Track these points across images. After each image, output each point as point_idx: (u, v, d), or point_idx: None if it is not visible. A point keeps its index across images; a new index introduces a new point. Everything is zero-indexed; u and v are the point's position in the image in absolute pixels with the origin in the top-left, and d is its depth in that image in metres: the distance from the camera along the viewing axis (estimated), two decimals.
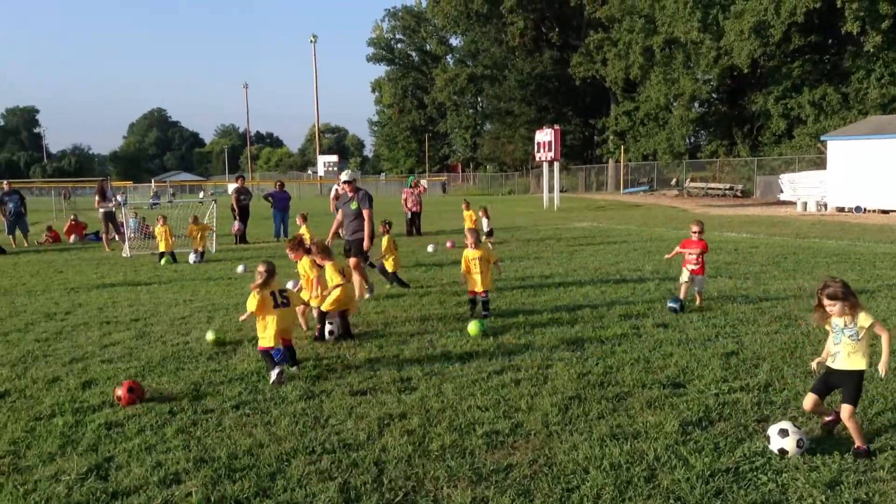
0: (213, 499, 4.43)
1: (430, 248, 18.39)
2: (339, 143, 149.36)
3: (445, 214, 34.82)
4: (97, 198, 21.32)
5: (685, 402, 6.00)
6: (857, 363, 4.94)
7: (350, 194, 11.14)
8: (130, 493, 4.57)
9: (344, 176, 11.27)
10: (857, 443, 4.92)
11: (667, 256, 11.39)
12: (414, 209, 23.75)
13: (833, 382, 5.10)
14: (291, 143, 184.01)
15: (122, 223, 20.74)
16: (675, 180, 53.94)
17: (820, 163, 37.85)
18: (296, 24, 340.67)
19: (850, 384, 4.95)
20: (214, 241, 19.64)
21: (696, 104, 57.67)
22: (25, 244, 22.38)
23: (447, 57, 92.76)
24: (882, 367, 4.94)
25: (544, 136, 38.71)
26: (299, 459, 5.01)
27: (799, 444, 4.84)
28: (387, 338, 8.58)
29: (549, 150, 37.96)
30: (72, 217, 26.55)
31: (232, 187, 26.45)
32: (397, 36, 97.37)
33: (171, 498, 4.48)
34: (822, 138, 35.89)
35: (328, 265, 8.75)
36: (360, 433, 5.50)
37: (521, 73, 71.17)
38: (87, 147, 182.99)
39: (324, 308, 8.52)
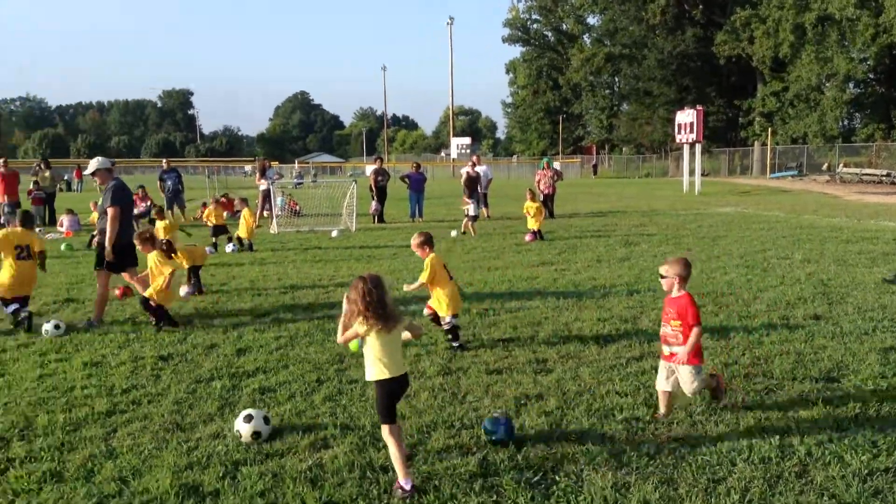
0: (359, 464, 4.63)
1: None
2: (472, 125, 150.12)
3: (585, 197, 34.35)
4: (257, 175, 22.62)
5: (839, 398, 5.69)
6: None
7: None
8: (283, 454, 4.85)
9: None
10: None
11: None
12: (546, 192, 23.56)
13: None
14: (426, 125, 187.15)
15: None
16: (826, 165, 50.64)
17: None
18: (433, 6, 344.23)
19: None
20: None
21: (851, 85, 53.82)
22: (182, 219, 23.92)
23: (584, 36, 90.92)
24: None
25: (686, 117, 37.31)
26: (439, 433, 5.15)
27: None
28: (521, 319, 8.61)
29: (691, 131, 36.56)
30: (222, 195, 28.12)
31: (370, 169, 27.17)
32: (533, 16, 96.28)
33: (320, 461, 4.72)
34: None
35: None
36: (498, 411, 5.57)
37: (661, 51, 68.79)
38: (237, 129, 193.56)
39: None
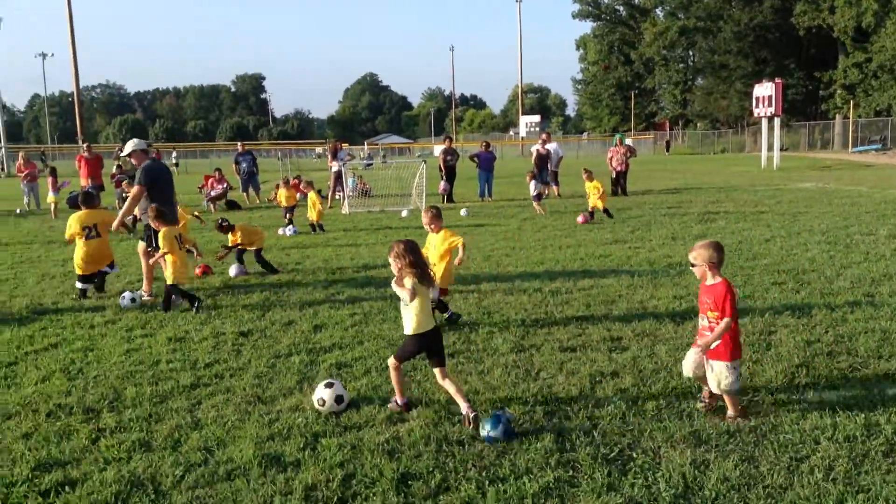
0: (435, 437, 4.68)
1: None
2: (542, 102, 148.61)
3: (659, 174, 33.67)
4: (329, 157, 22.97)
5: None
6: None
7: None
8: (361, 427, 4.94)
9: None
10: None
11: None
12: (619, 168, 23.18)
13: None
14: (494, 104, 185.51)
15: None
16: None
17: None
18: None
19: None
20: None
21: None
22: (257, 201, 24.47)
23: (657, 10, 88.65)
24: None
25: (764, 90, 36.13)
26: (513, 408, 5.15)
27: None
28: (594, 297, 8.52)
29: (769, 105, 35.40)
30: (295, 176, 28.62)
31: (439, 149, 27.24)
32: None
33: (397, 434, 4.79)
34: None
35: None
36: (572, 388, 5.55)
37: (737, 23, 66.71)
38: (308, 111, 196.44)
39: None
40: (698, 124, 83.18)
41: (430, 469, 4.28)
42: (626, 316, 7.58)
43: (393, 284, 5.10)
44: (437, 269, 7.36)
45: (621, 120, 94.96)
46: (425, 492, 4.04)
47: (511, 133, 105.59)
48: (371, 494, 4.03)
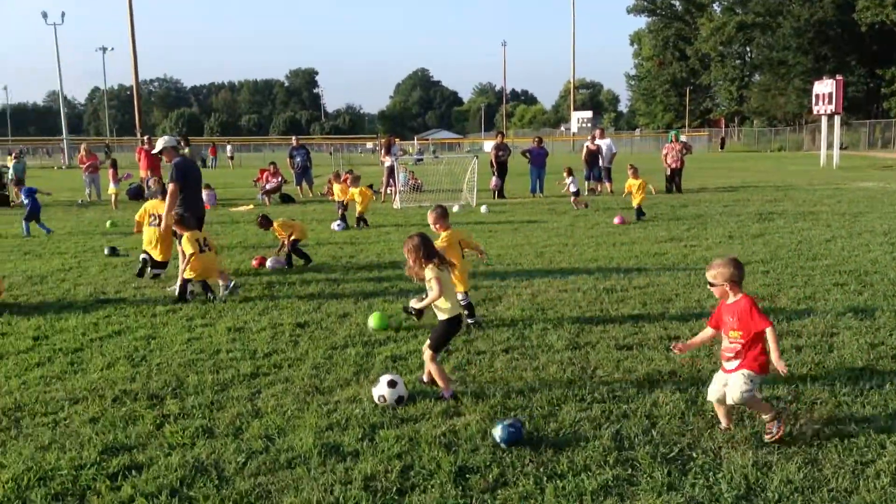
0: (491, 432, 4.69)
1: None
2: (594, 98, 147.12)
3: (714, 171, 33.09)
4: (383, 152, 23.11)
5: None
6: None
7: None
8: (417, 420, 4.98)
9: None
10: None
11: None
12: (673, 166, 22.85)
13: None
14: (545, 99, 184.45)
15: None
16: None
17: None
18: None
19: None
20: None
21: None
22: (311, 195, 24.77)
23: (714, 5, 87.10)
24: None
25: (824, 87, 35.28)
26: (570, 405, 5.13)
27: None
28: (650, 295, 8.43)
29: (829, 102, 34.56)
30: (347, 171, 28.88)
31: (489, 144, 27.18)
32: None
33: (453, 427, 4.81)
34: None
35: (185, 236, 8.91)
36: (629, 386, 5.50)
37: (797, 19, 65.14)
38: (359, 106, 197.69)
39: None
40: (755, 122, 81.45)
41: (488, 463, 4.29)
42: (683, 315, 7.49)
43: (415, 303, 5.58)
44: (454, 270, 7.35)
45: (675, 116, 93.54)
46: (483, 485, 4.05)
47: (562, 129, 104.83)
48: (429, 486, 4.06)
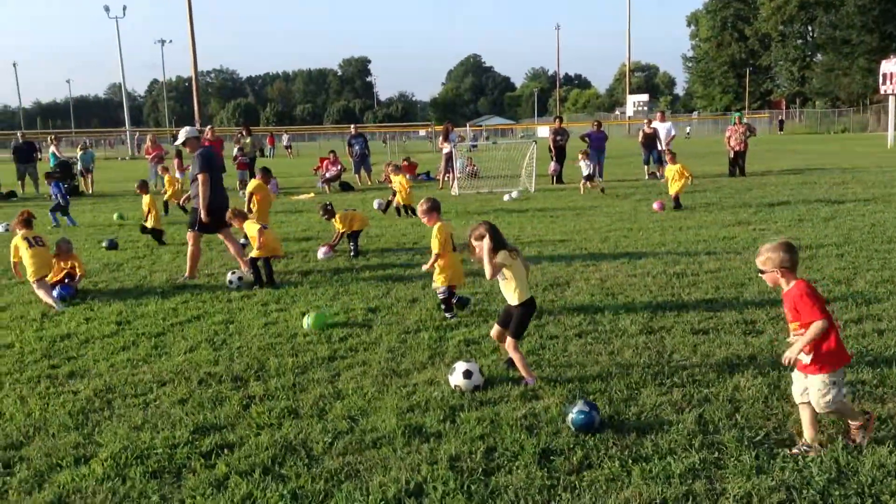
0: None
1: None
2: (649, 81, 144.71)
3: (777, 154, 32.29)
4: (441, 138, 23.15)
5: None
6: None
7: None
8: (496, 402, 5.02)
9: None
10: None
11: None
12: (737, 148, 22.36)
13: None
14: (599, 83, 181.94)
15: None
16: None
17: None
18: None
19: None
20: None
21: None
22: (369, 182, 24.97)
23: None
24: None
25: (891, 66, 34.08)
26: (649, 389, 5.11)
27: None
28: (722, 280, 8.31)
29: None
30: (404, 159, 29.03)
31: (542, 130, 26.99)
32: None
33: (533, 410, 4.84)
34: None
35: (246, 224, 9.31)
36: (708, 371, 5.45)
37: None
38: (411, 94, 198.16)
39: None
40: (817, 103, 79.11)
41: (571, 446, 4.31)
42: (757, 300, 7.37)
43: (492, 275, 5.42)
44: (441, 264, 7.30)
45: (734, 98, 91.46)
46: (568, 467, 4.07)
47: (616, 113, 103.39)
48: (514, 468, 4.10)
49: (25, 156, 24.29)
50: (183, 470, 4.26)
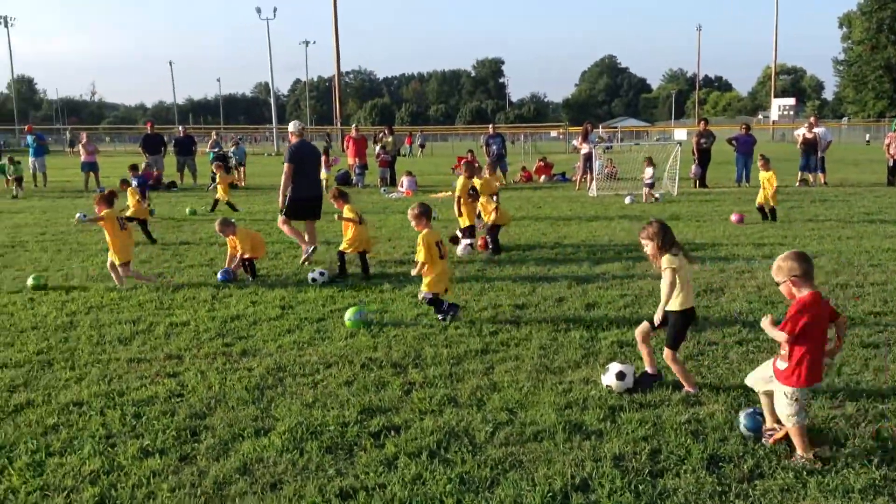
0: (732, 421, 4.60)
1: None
2: (795, 84, 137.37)
3: None
4: (580, 139, 22.99)
5: None
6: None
7: None
8: (657, 405, 4.97)
9: None
10: None
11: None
12: None
13: None
14: (741, 86, 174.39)
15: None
16: None
17: None
18: None
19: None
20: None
21: None
22: (504, 182, 25.06)
23: None
24: None
25: None
26: (819, 401, 4.92)
27: None
28: (890, 293, 7.84)
29: None
30: (540, 158, 28.97)
31: (679, 133, 26.20)
32: None
33: (697, 416, 4.76)
34: None
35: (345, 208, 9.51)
36: (882, 385, 5.19)
37: None
38: (543, 95, 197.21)
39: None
40: None
41: (740, 454, 4.22)
42: None
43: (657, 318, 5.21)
44: (429, 271, 7.24)
45: (889, 104, 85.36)
46: (738, 475, 3.99)
47: (759, 116, 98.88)
48: (682, 471, 4.05)
49: (185, 148, 25.95)
50: (354, 447, 4.47)
